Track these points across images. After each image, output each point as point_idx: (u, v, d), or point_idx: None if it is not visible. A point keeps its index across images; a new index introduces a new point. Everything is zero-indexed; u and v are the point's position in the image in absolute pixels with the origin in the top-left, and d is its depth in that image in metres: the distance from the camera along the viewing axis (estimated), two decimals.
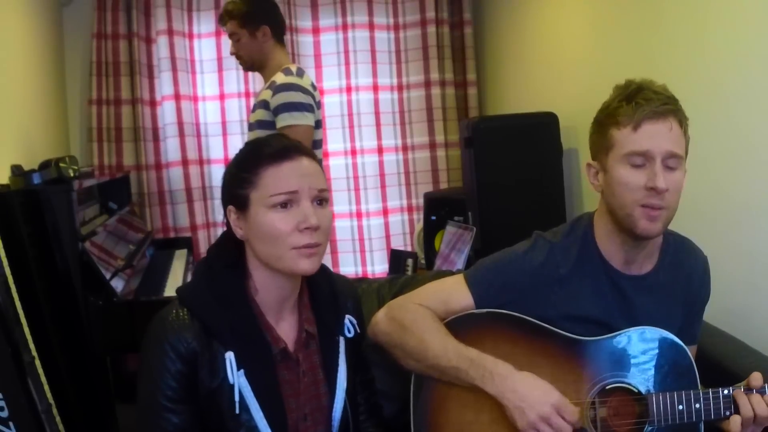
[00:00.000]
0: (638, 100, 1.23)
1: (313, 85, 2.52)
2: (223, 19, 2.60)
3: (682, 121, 1.26)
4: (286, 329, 1.23)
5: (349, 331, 1.29)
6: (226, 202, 1.21)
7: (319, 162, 1.26)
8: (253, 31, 2.51)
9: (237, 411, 1.13)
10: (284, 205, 1.14)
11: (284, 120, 2.37)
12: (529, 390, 1.23)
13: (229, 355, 1.14)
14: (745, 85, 1.66)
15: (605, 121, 1.29)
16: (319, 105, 2.56)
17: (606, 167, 1.29)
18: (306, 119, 2.40)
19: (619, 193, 1.26)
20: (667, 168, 1.23)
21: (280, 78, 2.43)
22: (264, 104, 2.44)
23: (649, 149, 1.22)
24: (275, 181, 1.14)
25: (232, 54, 2.62)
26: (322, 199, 1.17)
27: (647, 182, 1.22)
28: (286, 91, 2.39)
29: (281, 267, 1.16)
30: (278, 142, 1.19)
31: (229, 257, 1.21)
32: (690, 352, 1.30)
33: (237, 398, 1.13)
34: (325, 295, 1.28)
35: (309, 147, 1.25)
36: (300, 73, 2.48)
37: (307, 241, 1.13)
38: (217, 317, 1.15)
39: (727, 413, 1.20)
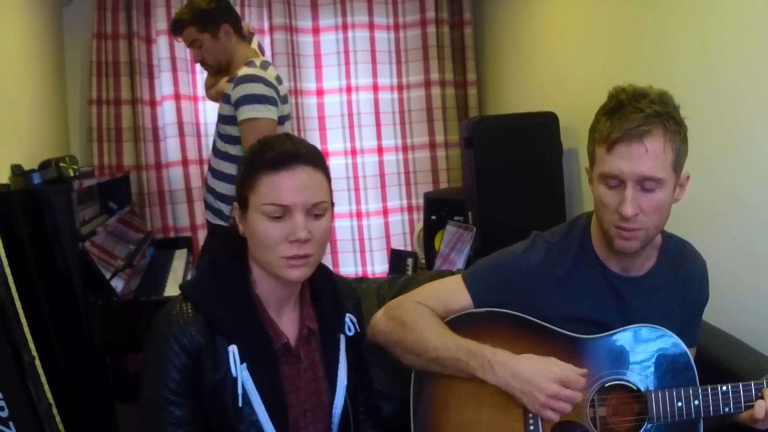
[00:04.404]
0: (615, 119, 1.19)
1: (278, 78, 2.37)
2: (176, 28, 2.46)
3: (669, 135, 1.17)
4: (288, 325, 1.23)
5: (350, 330, 1.30)
6: (235, 198, 1.22)
7: (324, 168, 1.19)
8: (215, 32, 2.39)
9: (240, 404, 1.13)
10: (275, 215, 1.13)
11: (245, 113, 2.23)
12: (530, 371, 1.23)
13: (233, 348, 1.14)
14: (746, 85, 1.66)
15: (591, 133, 1.27)
16: (285, 99, 2.42)
17: (591, 180, 1.29)
18: (269, 112, 2.25)
19: (599, 211, 1.27)
20: (643, 190, 1.19)
21: (242, 70, 2.30)
22: (226, 98, 2.32)
23: (619, 174, 1.19)
24: (269, 191, 1.13)
25: (197, 62, 2.49)
26: (317, 211, 1.16)
27: (618, 206, 1.20)
28: (247, 83, 2.25)
29: (271, 272, 1.17)
30: (281, 146, 1.16)
31: (233, 250, 1.22)
32: (690, 354, 1.30)
33: (240, 391, 1.14)
34: (327, 293, 1.29)
35: (316, 152, 1.19)
36: (264, 65, 2.36)
37: (295, 252, 1.13)
38: (220, 312, 1.16)
39: (726, 410, 1.20)
